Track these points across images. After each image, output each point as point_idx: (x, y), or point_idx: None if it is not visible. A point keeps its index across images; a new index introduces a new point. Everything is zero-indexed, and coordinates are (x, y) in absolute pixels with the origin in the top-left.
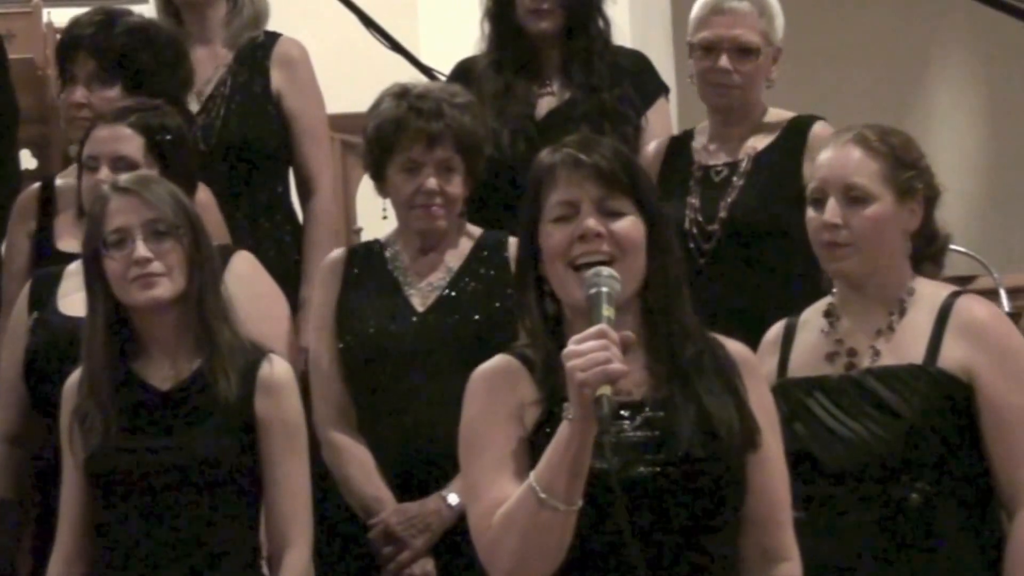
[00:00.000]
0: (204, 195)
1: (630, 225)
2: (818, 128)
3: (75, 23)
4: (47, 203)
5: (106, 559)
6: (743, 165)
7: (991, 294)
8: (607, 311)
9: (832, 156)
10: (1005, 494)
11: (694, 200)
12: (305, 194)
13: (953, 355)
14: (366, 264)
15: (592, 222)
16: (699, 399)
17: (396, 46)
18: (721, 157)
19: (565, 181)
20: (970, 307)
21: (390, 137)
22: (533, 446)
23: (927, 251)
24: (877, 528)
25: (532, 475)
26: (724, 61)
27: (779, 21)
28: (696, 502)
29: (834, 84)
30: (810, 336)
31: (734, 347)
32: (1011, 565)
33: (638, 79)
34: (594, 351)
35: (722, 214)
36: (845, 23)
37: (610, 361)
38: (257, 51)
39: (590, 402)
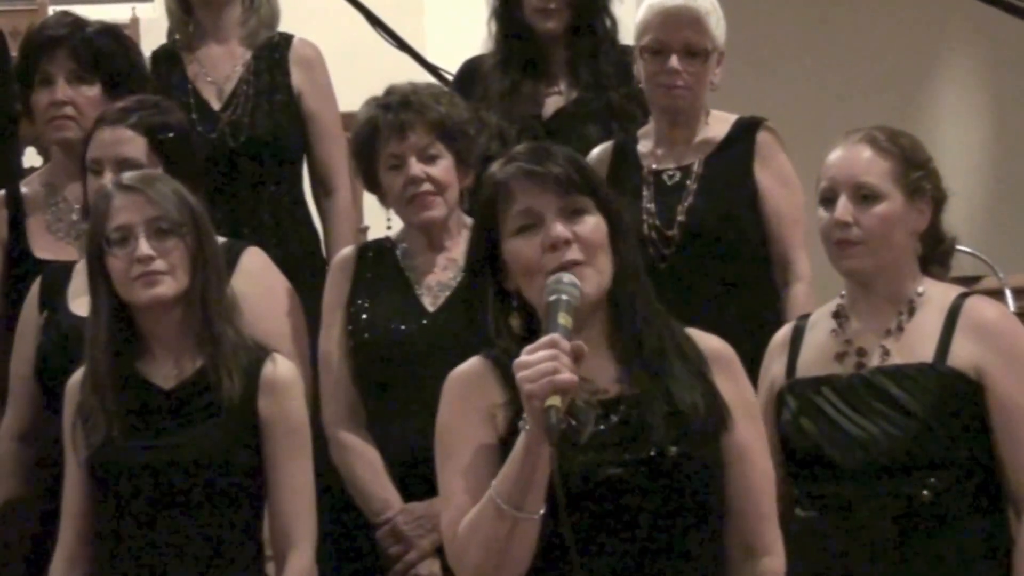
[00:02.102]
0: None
1: (594, 225)
2: (763, 133)
3: (44, 26)
4: (14, 211)
5: (108, 559)
6: (695, 169)
7: (996, 294)
8: (562, 319)
9: (842, 156)
10: (1014, 493)
11: (650, 206)
12: (323, 193)
13: (963, 354)
14: (376, 263)
15: (560, 229)
16: (667, 388)
17: (402, 45)
18: (670, 161)
19: (523, 192)
20: (980, 307)
21: (368, 139)
22: (506, 448)
23: (934, 253)
24: (887, 525)
25: (492, 484)
26: (674, 62)
27: (723, 26)
28: (670, 498)
29: (839, 86)
30: (819, 337)
31: (708, 342)
32: (1021, 563)
33: None
34: (542, 361)
35: (680, 218)
36: (850, 25)
37: (558, 371)
38: (275, 51)
39: (540, 413)
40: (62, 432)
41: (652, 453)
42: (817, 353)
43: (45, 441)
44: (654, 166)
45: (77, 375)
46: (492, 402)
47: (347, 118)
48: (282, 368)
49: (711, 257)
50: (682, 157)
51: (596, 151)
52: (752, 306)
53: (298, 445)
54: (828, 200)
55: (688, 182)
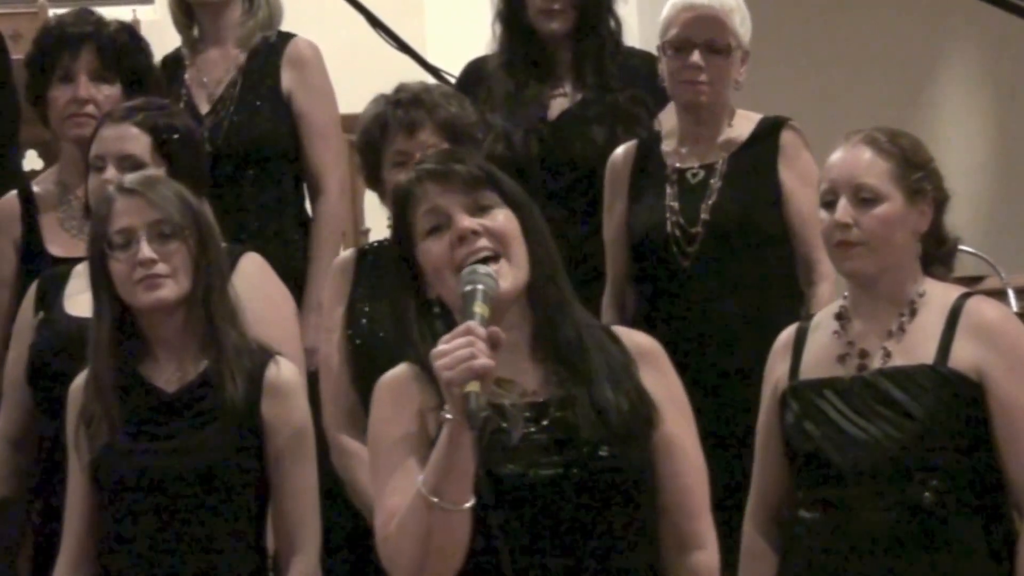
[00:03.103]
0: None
1: (503, 217)
2: (788, 132)
3: (65, 23)
4: (28, 209)
5: (111, 563)
6: (719, 167)
7: (999, 294)
8: (478, 308)
9: (842, 157)
10: (1016, 494)
11: (673, 203)
12: (313, 195)
13: (964, 355)
14: (376, 265)
15: (466, 221)
16: (592, 387)
17: (403, 46)
18: (694, 159)
19: (429, 193)
20: (981, 308)
21: (375, 135)
22: None
23: (937, 253)
24: (890, 528)
25: (420, 479)
26: (696, 57)
27: (748, 24)
28: (604, 497)
29: (842, 86)
30: (822, 338)
31: (634, 338)
32: (1023, 565)
33: (650, 81)
34: (458, 348)
35: (704, 216)
36: (853, 25)
37: (475, 357)
38: (270, 51)
39: (459, 399)
40: (61, 435)
41: (584, 452)
42: (820, 355)
43: (40, 444)
44: (678, 164)
45: (80, 379)
46: (423, 405)
47: (347, 120)
48: (286, 371)
49: (735, 255)
50: (706, 155)
51: (620, 150)
52: (775, 304)
53: (302, 449)
54: (829, 203)
55: (712, 180)
